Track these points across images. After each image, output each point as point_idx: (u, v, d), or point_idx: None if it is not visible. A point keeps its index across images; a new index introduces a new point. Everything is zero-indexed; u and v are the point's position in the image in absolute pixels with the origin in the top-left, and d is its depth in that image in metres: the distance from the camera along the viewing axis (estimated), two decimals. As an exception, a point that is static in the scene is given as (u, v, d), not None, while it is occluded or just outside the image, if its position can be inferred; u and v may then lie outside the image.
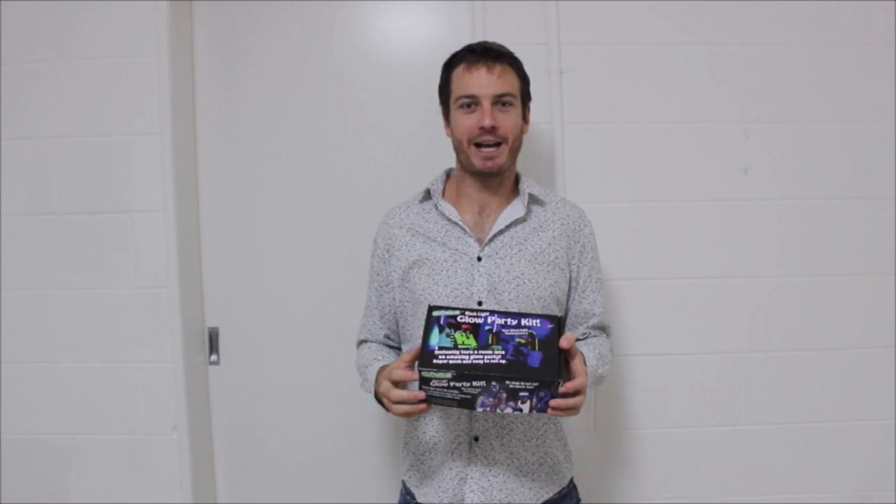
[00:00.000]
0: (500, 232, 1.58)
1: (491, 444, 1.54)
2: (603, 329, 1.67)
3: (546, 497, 1.58)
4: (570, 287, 1.63)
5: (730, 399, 2.09)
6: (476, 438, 1.54)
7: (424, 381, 1.34)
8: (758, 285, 2.08)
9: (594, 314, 1.65)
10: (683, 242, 2.07)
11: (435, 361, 1.34)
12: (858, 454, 2.09)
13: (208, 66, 2.22)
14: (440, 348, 1.36)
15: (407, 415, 1.43)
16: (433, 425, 1.57)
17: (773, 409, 2.09)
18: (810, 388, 2.08)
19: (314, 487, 2.22)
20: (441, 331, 1.39)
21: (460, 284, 1.55)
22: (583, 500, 1.71)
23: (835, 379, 2.08)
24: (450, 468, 1.55)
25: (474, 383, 1.33)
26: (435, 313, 1.41)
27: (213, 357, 2.24)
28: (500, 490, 1.53)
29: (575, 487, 1.67)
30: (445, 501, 1.54)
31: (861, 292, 2.08)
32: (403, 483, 1.67)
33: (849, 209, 2.08)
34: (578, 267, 1.63)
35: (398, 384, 1.42)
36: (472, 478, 1.54)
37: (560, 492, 1.60)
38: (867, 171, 2.08)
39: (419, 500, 1.59)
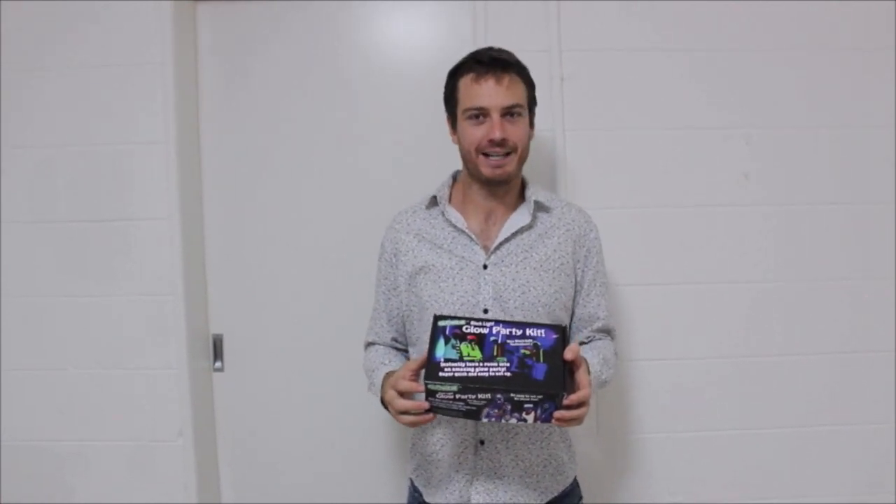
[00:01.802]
0: (507, 240, 1.61)
1: (496, 447, 1.58)
2: (607, 332, 1.71)
3: (550, 497, 1.62)
4: (575, 291, 1.67)
5: (732, 403, 2.12)
6: (482, 442, 1.58)
7: (430, 393, 1.37)
8: (760, 290, 2.11)
9: (599, 318, 1.68)
10: (685, 248, 2.11)
11: (441, 374, 1.36)
12: (860, 457, 2.12)
13: (212, 74, 2.25)
14: (446, 360, 1.38)
15: (413, 424, 1.46)
16: (440, 429, 1.61)
17: (776, 412, 2.12)
18: (812, 392, 2.11)
19: (319, 492, 2.25)
20: (447, 342, 1.41)
21: (466, 292, 1.58)
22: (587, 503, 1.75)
23: (836, 382, 2.12)
24: (456, 470, 1.59)
25: (479, 396, 1.35)
26: (440, 323, 1.44)
27: (218, 364, 2.27)
28: (506, 492, 1.57)
29: (577, 485, 1.71)
30: (452, 502, 1.59)
31: (862, 296, 2.12)
32: (411, 481, 1.71)
33: (850, 214, 2.12)
34: (583, 271, 1.66)
35: (404, 394, 1.44)
36: (478, 480, 1.58)
37: (564, 490, 1.65)
38: (867, 176, 2.12)
39: (426, 500, 1.64)
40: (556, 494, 1.63)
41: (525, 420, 1.37)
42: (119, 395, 2.13)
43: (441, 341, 1.41)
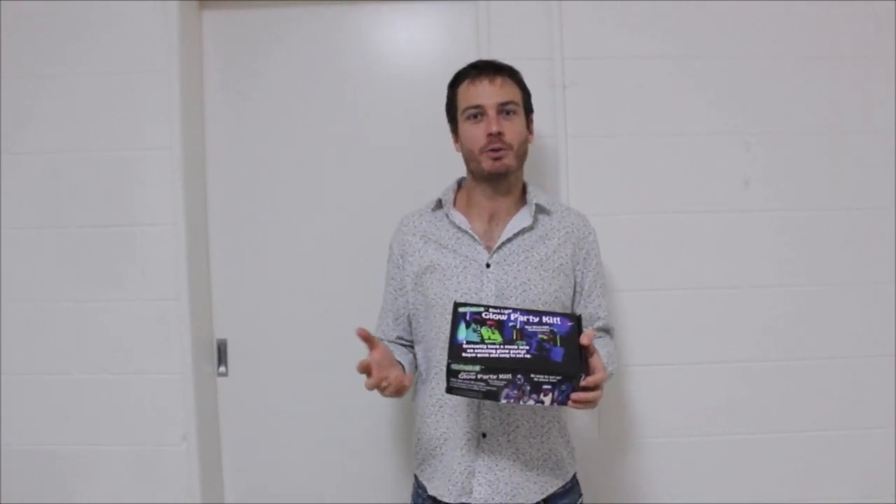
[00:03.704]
0: (508, 240, 1.71)
1: (498, 440, 1.67)
2: (608, 331, 1.81)
3: (550, 491, 1.70)
4: (575, 292, 1.76)
5: (732, 408, 2.17)
6: (484, 435, 1.67)
7: (453, 374, 1.45)
8: (759, 295, 2.17)
9: (599, 317, 1.78)
10: (686, 253, 2.17)
11: (464, 355, 1.45)
12: (860, 461, 2.17)
13: (217, 80, 2.32)
14: (468, 342, 1.47)
15: (391, 391, 1.54)
16: (444, 422, 1.70)
17: (776, 416, 2.17)
18: (812, 396, 2.17)
19: (323, 496, 2.30)
20: (468, 326, 1.50)
21: (470, 289, 1.67)
22: (588, 506, 1.83)
23: (836, 387, 2.17)
24: (459, 463, 1.67)
25: (501, 376, 1.44)
26: (461, 310, 1.53)
27: (222, 368, 2.31)
28: (507, 484, 1.66)
29: (577, 482, 1.79)
30: (455, 495, 1.67)
31: (861, 301, 2.17)
32: (416, 477, 1.79)
33: (849, 219, 2.17)
34: (583, 273, 1.76)
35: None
36: (479, 472, 1.66)
37: (564, 486, 1.73)
38: (867, 181, 2.18)
39: (430, 493, 1.72)
40: (555, 489, 1.71)
41: (542, 402, 1.46)
42: (123, 399, 2.19)
43: (462, 325, 1.49)
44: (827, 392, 2.15)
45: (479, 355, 1.44)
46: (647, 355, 2.15)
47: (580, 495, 1.77)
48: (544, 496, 1.68)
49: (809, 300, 2.16)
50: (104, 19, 2.17)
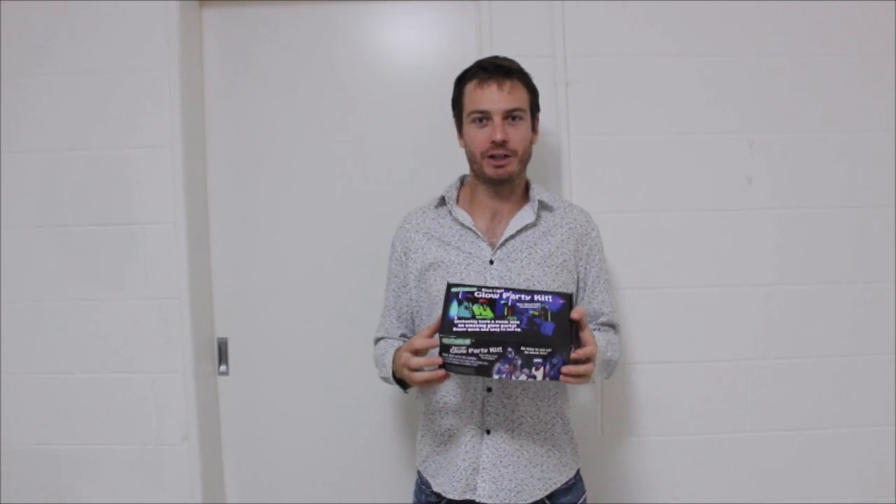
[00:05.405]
0: (511, 237, 1.74)
1: (502, 436, 1.69)
2: (612, 326, 1.83)
3: (553, 487, 1.72)
4: (578, 288, 1.79)
5: (734, 406, 2.19)
6: (488, 431, 1.69)
7: (444, 349, 1.50)
8: (761, 293, 2.19)
9: (603, 313, 1.80)
10: (688, 251, 2.19)
11: (455, 329, 1.49)
12: (860, 459, 2.19)
13: (218, 78, 2.33)
14: (459, 318, 1.51)
15: (426, 383, 1.58)
16: (448, 419, 1.72)
17: (778, 415, 2.19)
18: (813, 395, 2.19)
19: (325, 494, 2.31)
20: (460, 304, 1.53)
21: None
22: (590, 505, 1.85)
23: (837, 385, 2.19)
24: (463, 459, 1.69)
25: (491, 350, 1.48)
26: (454, 289, 1.56)
27: (223, 367, 2.33)
28: (511, 480, 1.68)
29: (581, 479, 1.81)
30: (459, 491, 1.69)
31: (862, 300, 2.19)
32: (419, 473, 1.81)
33: (850, 218, 2.19)
34: (586, 269, 1.78)
35: (418, 353, 1.57)
36: (484, 468, 1.68)
37: (567, 482, 1.75)
38: (868, 180, 2.19)
39: (435, 490, 1.74)
40: (558, 486, 1.73)
41: (534, 376, 1.49)
42: (124, 398, 2.20)
43: (454, 303, 1.53)
44: (828, 391, 2.17)
45: (469, 329, 1.48)
46: (649, 353, 2.17)
47: (584, 492, 1.79)
48: (548, 492, 1.70)
49: (811, 298, 2.17)
50: (104, 17, 2.18)
